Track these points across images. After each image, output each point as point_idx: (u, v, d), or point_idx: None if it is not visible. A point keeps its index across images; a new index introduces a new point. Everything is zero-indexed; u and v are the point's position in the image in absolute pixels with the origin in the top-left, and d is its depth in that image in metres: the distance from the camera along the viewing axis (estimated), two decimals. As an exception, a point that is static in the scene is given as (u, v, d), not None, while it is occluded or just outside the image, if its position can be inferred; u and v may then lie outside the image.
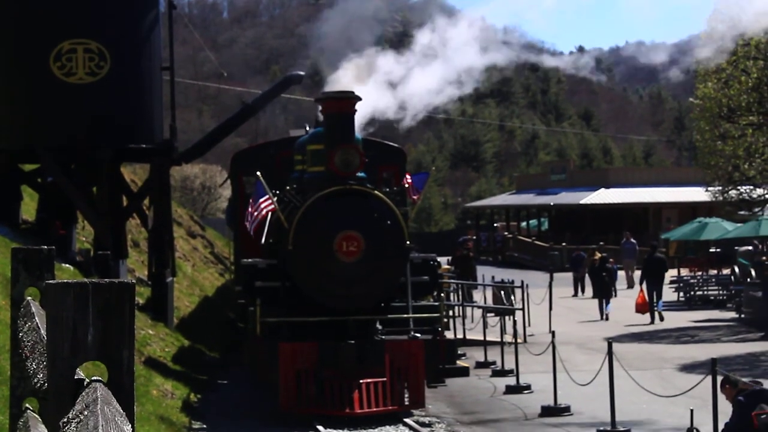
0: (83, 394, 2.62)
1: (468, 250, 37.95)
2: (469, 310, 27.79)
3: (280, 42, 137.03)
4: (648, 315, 30.09)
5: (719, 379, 12.11)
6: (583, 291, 39.23)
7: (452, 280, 30.66)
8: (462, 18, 23.01)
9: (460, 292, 30.01)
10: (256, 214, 17.57)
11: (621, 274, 40.07)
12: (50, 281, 2.71)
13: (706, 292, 36.02)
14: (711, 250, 42.03)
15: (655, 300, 30.61)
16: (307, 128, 21.39)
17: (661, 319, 30.09)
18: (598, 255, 37.38)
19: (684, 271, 38.53)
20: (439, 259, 19.25)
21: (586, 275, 37.86)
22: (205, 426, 16.08)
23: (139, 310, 21.10)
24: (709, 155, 31.89)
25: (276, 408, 16.51)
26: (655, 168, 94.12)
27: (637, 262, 38.87)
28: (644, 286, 30.62)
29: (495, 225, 73.63)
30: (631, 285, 38.54)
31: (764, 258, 33.18)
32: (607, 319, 30.90)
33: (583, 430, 15.37)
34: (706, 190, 34.10)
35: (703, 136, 32.12)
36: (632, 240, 42.79)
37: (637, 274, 33.79)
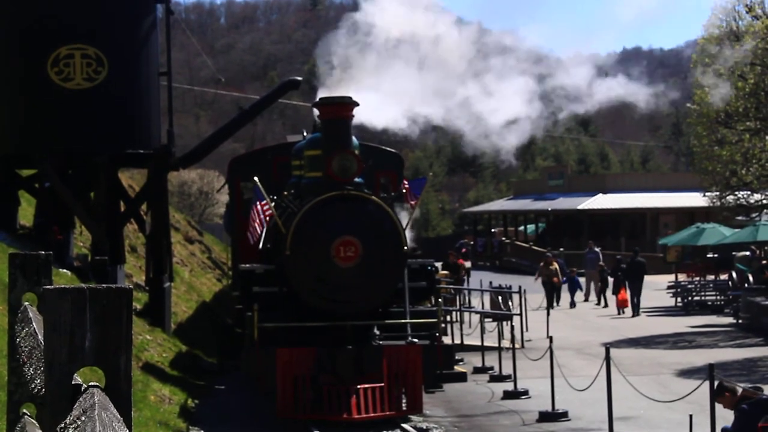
0: (80, 399, 2.62)
1: (459, 256, 38.31)
2: (466, 315, 27.76)
3: (277, 47, 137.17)
4: (630, 309, 34.02)
5: (716, 384, 12.08)
6: (557, 301, 37.18)
7: (450, 286, 30.66)
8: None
9: (457, 299, 30.00)
10: (259, 219, 17.57)
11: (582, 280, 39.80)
12: (48, 287, 2.71)
13: (703, 298, 36.03)
14: (708, 255, 42.01)
15: (635, 298, 34.03)
16: (305, 133, 21.36)
17: (637, 314, 33.63)
18: (554, 264, 36.89)
19: (681, 277, 38.49)
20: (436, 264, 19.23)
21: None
22: (202, 431, 16.05)
23: (136, 316, 21.08)
24: (706, 161, 31.93)
25: (273, 414, 16.49)
26: (653, 173, 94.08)
27: (600, 271, 38.33)
28: (627, 285, 34.24)
29: (492, 230, 73.62)
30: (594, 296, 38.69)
31: (765, 262, 33.14)
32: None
33: (581, 436, 15.35)
34: (704, 196, 34.18)
35: (701, 142, 32.18)
36: (596, 249, 40.50)
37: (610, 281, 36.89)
